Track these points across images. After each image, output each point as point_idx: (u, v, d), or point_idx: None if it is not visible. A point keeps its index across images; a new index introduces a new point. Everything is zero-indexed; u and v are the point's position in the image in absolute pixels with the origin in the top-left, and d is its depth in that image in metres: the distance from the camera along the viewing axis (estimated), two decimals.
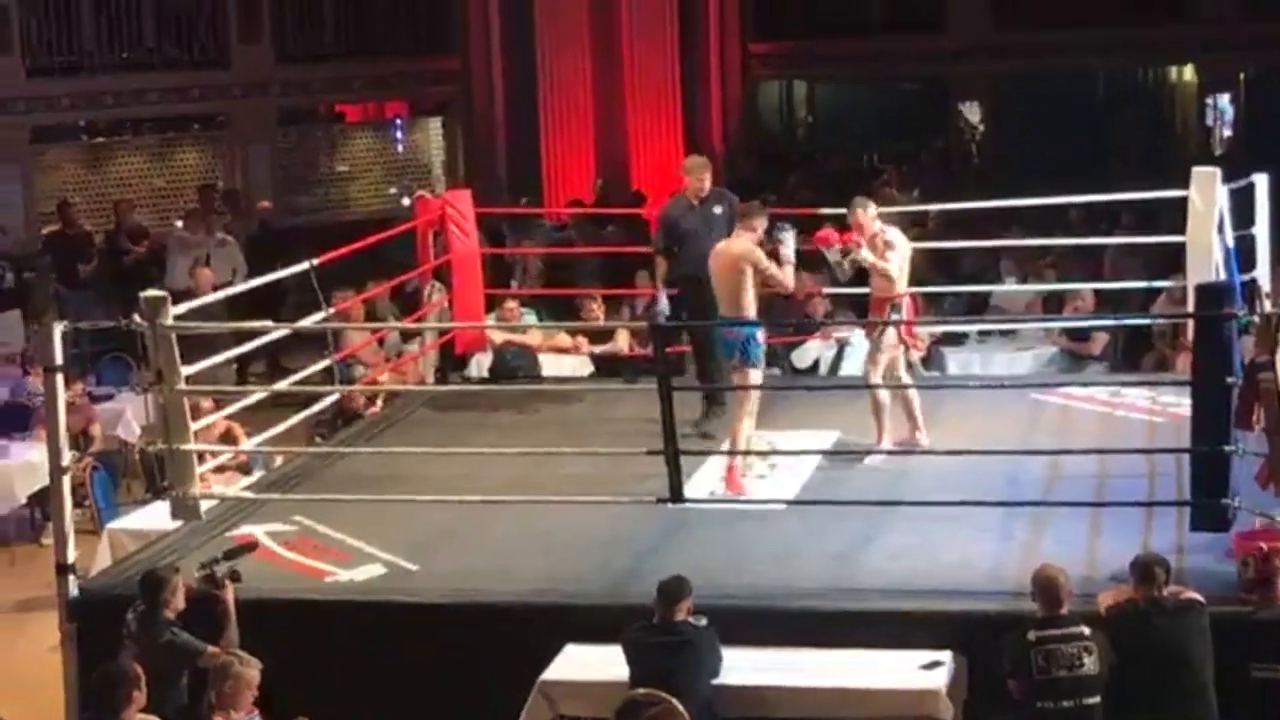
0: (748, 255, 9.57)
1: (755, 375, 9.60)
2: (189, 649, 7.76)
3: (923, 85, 22.98)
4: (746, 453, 9.54)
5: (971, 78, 21.96)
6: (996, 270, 13.77)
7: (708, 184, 10.66)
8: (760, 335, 9.57)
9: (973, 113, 22.03)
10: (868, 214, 9.92)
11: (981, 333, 13.27)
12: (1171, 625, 7.31)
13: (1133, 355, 12.71)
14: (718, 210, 10.51)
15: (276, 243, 16.74)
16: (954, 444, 9.49)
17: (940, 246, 13.32)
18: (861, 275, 10.19)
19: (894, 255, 9.80)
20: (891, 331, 9.84)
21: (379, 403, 11.92)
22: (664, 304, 10.47)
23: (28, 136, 19.68)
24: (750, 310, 9.61)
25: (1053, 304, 13.27)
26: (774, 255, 9.66)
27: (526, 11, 20.79)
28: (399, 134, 22.63)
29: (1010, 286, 13.37)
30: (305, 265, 10.72)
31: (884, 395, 9.86)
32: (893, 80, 23.11)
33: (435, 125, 22.49)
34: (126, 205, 18.62)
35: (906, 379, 10.13)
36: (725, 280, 9.66)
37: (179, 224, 17.70)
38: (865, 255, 9.80)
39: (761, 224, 9.77)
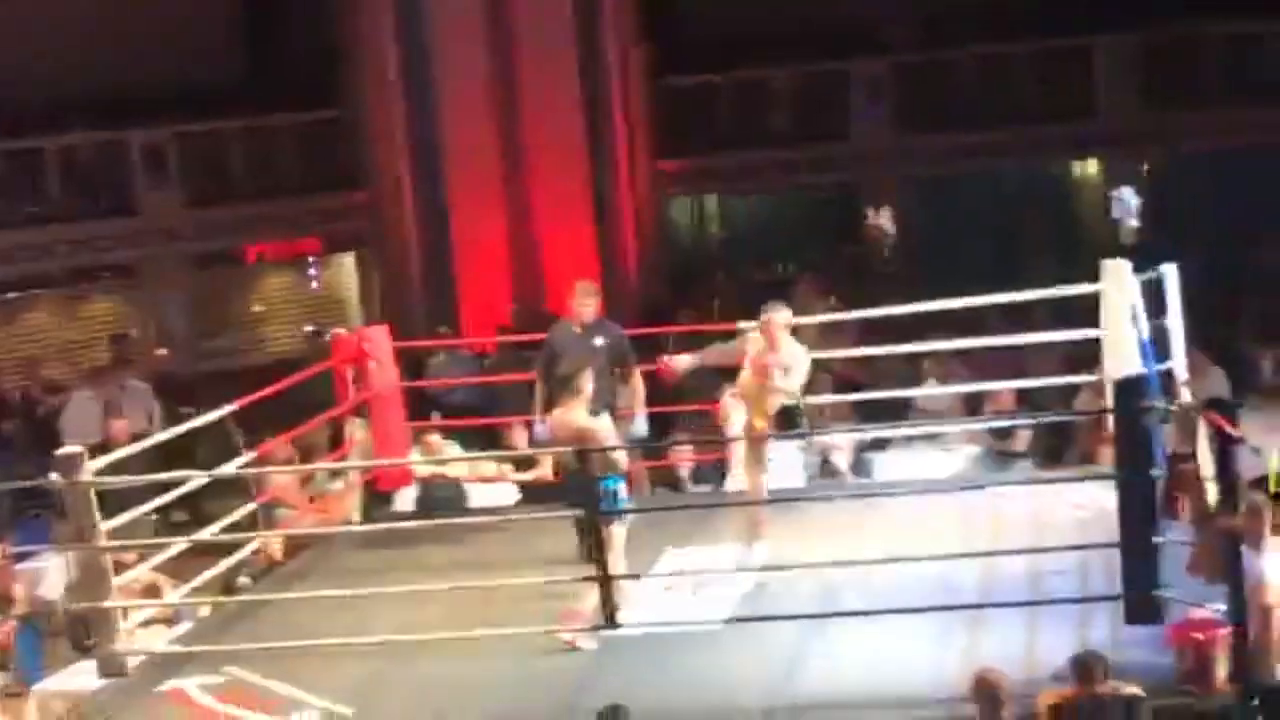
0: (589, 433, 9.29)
1: (618, 530, 9.15)
2: None
3: (832, 193, 23.19)
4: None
5: (878, 183, 22.19)
6: (916, 373, 13.80)
7: (591, 311, 10.63)
8: (622, 489, 9.21)
9: (883, 217, 22.23)
10: (780, 321, 9.86)
11: (906, 436, 13.27)
12: None
13: (1056, 450, 12.75)
14: (598, 341, 10.49)
15: (186, 389, 16.62)
16: (885, 550, 9.47)
17: (858, 354, 13.37)
18: None
19: (795, 375, 9.74)
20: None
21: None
22: (539, 429, 10.29)
23: None
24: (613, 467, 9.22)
25: (974, 404, 13.31)
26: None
27: (434, 144, 20.85)
28: (313, 271, 22.58)
29: (931, 389, 13.41)
30: (224, 410, 10.65)
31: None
32: (801, 189, 23.29)
33: (349, 261, 22.47)
34: (36, 362, 18.46)
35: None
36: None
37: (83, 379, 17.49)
38: (780, 383, 9.69)
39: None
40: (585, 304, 10.63)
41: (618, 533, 9.12)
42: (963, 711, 7.49)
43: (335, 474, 13.04)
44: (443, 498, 12.38)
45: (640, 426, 10.53)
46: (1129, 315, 10.44)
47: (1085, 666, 7.42)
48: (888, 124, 21.55)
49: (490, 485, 12.90)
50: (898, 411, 13.64)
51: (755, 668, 8.54)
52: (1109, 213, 22.20)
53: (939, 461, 12.93)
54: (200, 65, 21.04)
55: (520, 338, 17.46)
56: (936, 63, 21.39)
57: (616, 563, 9.20)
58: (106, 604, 8.79)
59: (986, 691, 7.37)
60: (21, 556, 12.85)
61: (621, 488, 9.26)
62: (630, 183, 21.68)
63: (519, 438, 13.14)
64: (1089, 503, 10.43)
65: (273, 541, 11.45)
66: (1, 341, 19.91)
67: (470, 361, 17.34)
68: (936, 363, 13.72)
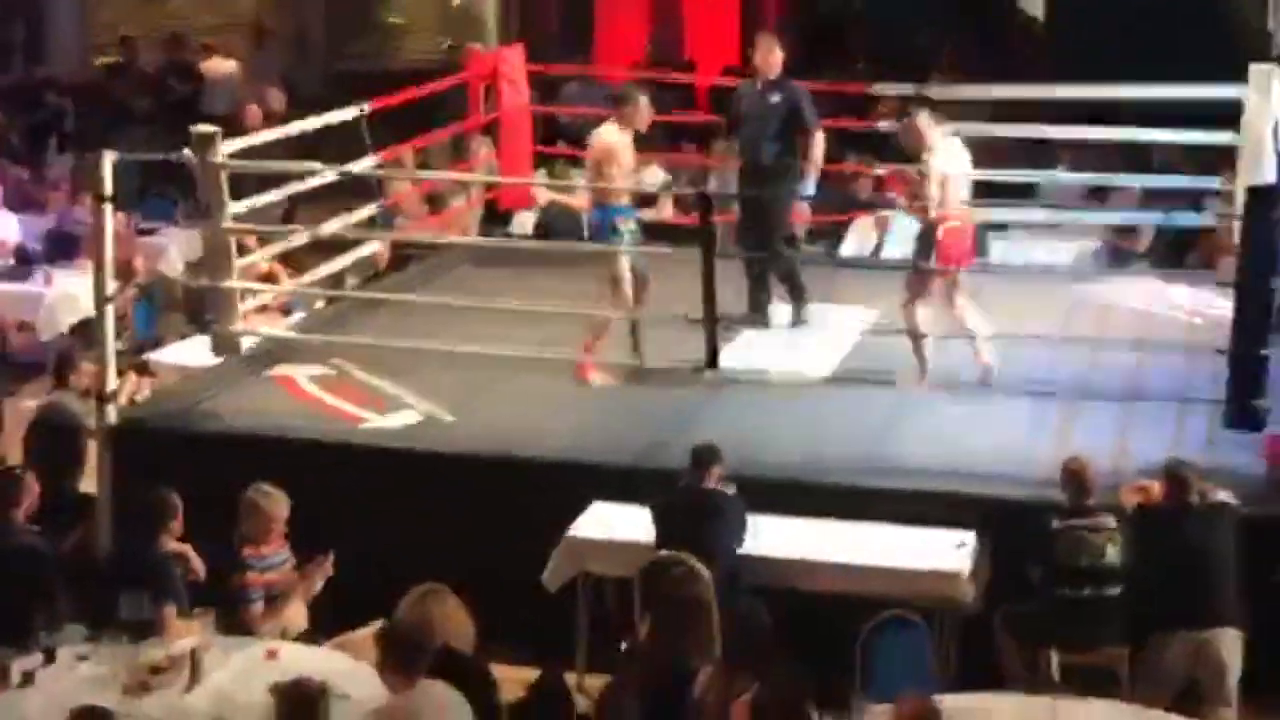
0: (610, 153, 9.40)
1: (620, 259, 9.37)
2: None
3: None
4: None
5: None
6: (1047, 160, 13.62)
7: (772, 66, 10.32)
8: (620, 220, 9.38)
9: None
10: (924, 121, 9.34)
11: (1026, 223, 13.15)
12: (1198, 528, 7.28)
13: (1177, 253, 12.63)
14: (775, 99, 10.29)
15: (319, 89, 16.70)
16: (991, 330, 9.49)
17: (989, 131, 13.19)
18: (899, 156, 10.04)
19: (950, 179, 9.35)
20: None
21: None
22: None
23: None
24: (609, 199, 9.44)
25: (1099, 197, 13.15)
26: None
27: None
28: None
29: (1058, 174, 13.24)
30: (356, 110, 10.68)
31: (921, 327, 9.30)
32: None
33: None
34: (177, 40, 18.56)
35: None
36: (591, 167, 9.58)
37: (229, 61, 17.69)
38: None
39: (640, 120, 9.51)
40: (764, 57, 10.40)
41: None
42: (1048, 494, 7.57)
43: (457, 188, 13.13)
44: (561, 225, 12.46)
45: (808, 187, 10.33)
46: (1270, 123, 10.26)
47: (1178, 474, 7.33)
48: None
49: None
50: (1021, 195, 13.51)
51: (849, 427, 8.66)
52: (1264, 16, 21.58)
53: (1056, 250, 12.85)
54: None
55: (653, 75, 17.40)
56: None
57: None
58: (226, 284, 8.98)
59: (1074, 477, 7.43)
60: (145, 231, 13.14)
61: (620, 219, 9.39)
62: None
63: (647, 176, 13.16)
64: (1203, 308, 10.41)
65: (383, 248, 11.57)
66: (143, 19, 19.99)
67: (602, 94, 17.27)
68: (1068, 152, 13.55)
